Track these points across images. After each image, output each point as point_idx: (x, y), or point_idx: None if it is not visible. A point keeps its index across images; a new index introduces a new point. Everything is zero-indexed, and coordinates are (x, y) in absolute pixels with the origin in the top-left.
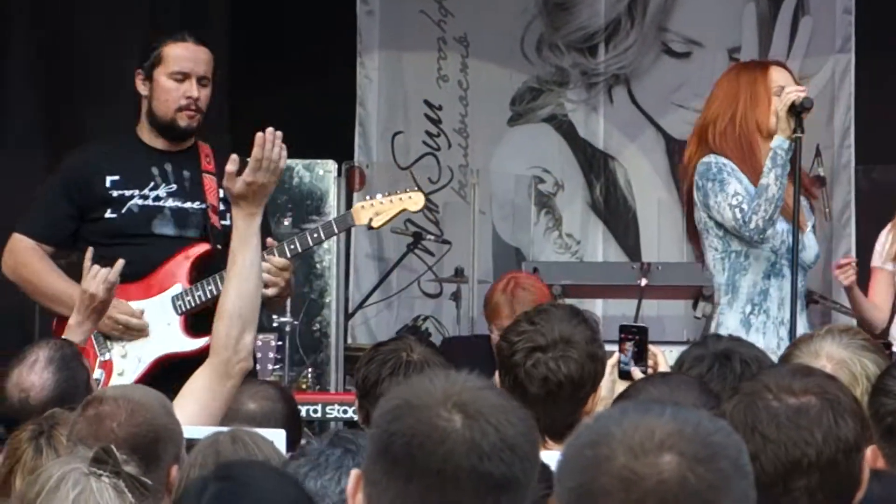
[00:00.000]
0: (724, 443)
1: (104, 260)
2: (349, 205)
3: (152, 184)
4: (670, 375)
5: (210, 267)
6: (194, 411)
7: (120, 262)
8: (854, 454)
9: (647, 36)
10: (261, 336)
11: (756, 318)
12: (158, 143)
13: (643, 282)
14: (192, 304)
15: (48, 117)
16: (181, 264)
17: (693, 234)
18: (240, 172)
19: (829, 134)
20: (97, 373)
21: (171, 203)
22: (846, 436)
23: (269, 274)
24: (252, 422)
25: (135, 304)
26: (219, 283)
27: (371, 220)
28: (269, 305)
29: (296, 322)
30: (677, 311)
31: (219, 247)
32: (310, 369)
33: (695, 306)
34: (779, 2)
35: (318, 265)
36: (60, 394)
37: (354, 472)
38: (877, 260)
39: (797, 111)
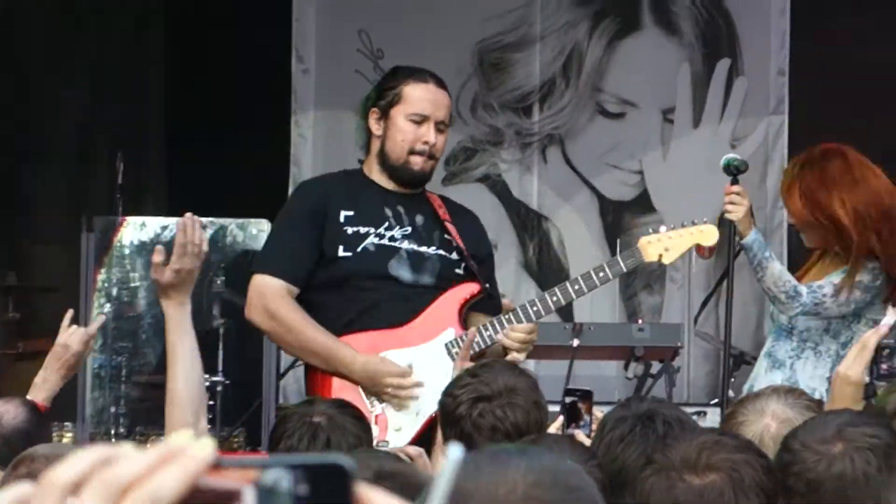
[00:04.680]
0: (581, 485)
1: (331, 305)
2: None
3: (387, 223)
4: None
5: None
6: None
7: (101, 318)
8: None
9: (581, 96)
10: None
11: None
12: (389, 184)
13: (575, 342)
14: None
15: None
16: (449, 306)
17: None
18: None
19: (763, 195)
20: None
21: (406, 245)
22: None
23: (517, 343)
24: None
25: (401, 352)
26: (497, 327)
27: (661, 255)
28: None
29: (228, 381)
30: (609, 371)
31: (487, 285)
32: (241, 428)
33: (626, 367)
34: (713, 62)
35: (250, 324)
36: (28, 431)
37: None
38: None
39: (733, 172)
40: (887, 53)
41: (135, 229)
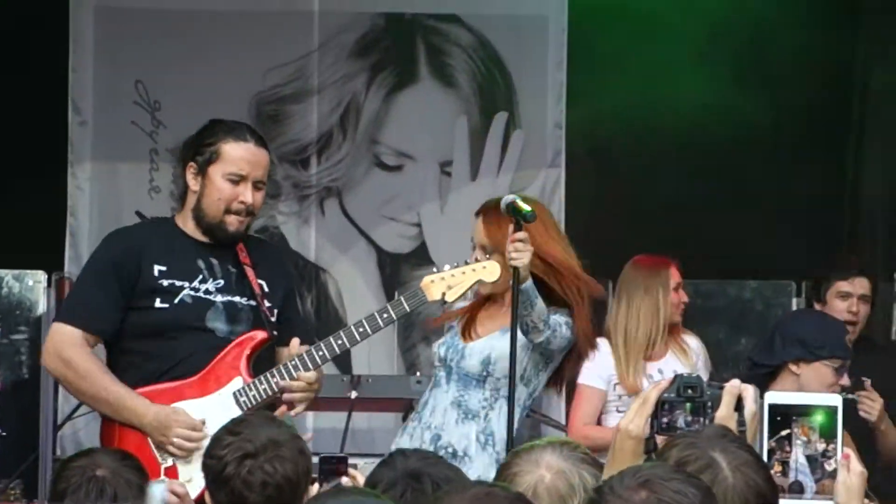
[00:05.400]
0: None
1: (149, 355)
2: None
3: (200, 276)
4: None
5: (263, 358)
6: None
7: None
8: None
9: (359, 149)
10: None
11: (410, 424)
12: (201, 237)
13: (353, 394)
14: (258, 399)
15: None
16: (237, 356)
17: None
18: None
19: None
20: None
21: (221, 298)
22: None
23: (299, 391)
24: None
25: (193, 403)
26: (284, 375)
27: (444, 293)
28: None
29: (4, 433)
30: (387, 423)
31: (275, 333)
32: (18, 480)
33: (405, 419)
34: (490, 115)
35: (26, 375)
36: None
37: None
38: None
39: (518, 221)
40: (660, 107)
41: None
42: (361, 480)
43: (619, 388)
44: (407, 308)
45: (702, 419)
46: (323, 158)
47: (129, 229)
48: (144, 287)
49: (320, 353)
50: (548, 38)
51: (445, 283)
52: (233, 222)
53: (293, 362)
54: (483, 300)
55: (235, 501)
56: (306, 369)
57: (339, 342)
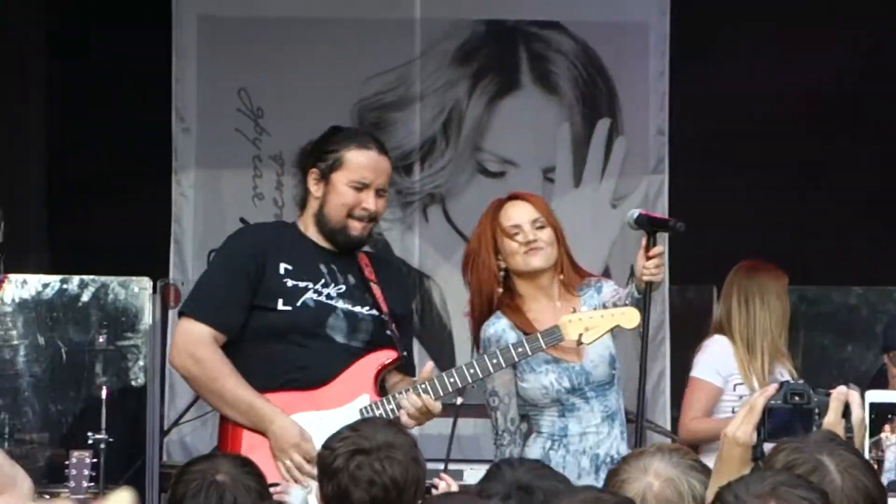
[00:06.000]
0: None
1: (271, 360)
2: (164, 322)
3: (323, 280)
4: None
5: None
6: None
7: None
8: None
9: (462, 155)
10: (76, 453)
11: (556, 454)
12: (323, 242)
13: (459, 400)
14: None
15: None
16: (365, 372)
17: None
18: None
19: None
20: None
21: (342, 304)
22: None
23: (411, 417)
24: None
25: (318, 414)
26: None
27: (581, 335)
28: None
29: (111, 439)
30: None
31: (405, 353)
32: (125, 487)
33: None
34: (593, 122)
35: (133, 382)
36: None
37: None
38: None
39: (653, 234)
40: (762, 114)
41: (16, 287)
42: (455, 488)
43: (742, 389)
44: (543, 345)
45: (809, 426)
46: (426, 165)
47: (258, 227)
48: (269, 286)
49: (451, 379)
50: (649, 45)
51: (583, 325)
52: (356, 227)
53: (423, 386)
54: (511, 297)
55: (341, 495)
56: (436, 394)
57: (472, 371)
